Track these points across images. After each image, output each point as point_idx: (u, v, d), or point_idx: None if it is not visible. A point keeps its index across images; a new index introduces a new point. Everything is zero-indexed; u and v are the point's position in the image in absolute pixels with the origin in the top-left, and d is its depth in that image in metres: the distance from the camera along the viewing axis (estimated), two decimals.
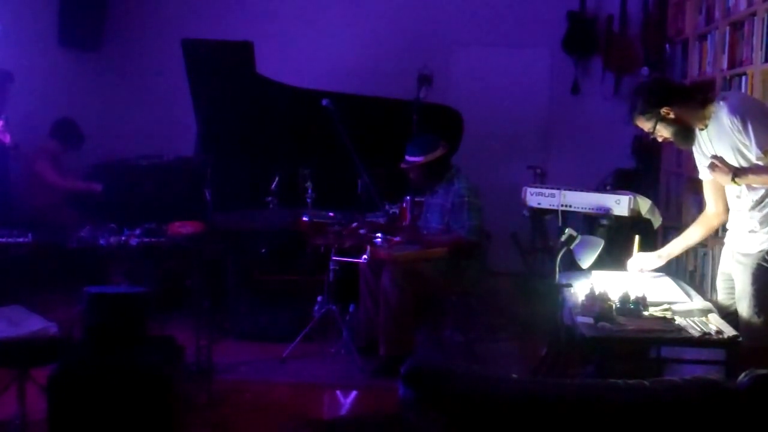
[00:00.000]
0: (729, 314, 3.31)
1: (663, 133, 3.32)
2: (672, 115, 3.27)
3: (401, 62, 6.56)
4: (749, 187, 3.24)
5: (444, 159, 4.87)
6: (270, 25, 7.15)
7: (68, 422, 3.27)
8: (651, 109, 3.28)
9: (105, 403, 3.27)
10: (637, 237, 3.75)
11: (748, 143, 3.13)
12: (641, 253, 3.70)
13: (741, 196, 3.30)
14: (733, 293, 3.37)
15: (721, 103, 3.23)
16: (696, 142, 3.36)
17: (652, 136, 3.36)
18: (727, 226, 3.50)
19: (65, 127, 6.28)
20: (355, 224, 4.85)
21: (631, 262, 3.69)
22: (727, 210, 3.46)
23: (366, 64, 7.01)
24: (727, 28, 4.84)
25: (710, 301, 3.51)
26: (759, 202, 3.24)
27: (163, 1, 7.37)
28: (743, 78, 4.50)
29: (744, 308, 3.26)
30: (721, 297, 3.49)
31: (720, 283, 3.52)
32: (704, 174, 3.42)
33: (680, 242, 3.70)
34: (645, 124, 3.33)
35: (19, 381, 3.52)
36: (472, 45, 7.29)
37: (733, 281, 3.38)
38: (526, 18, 7.21)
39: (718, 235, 3.93)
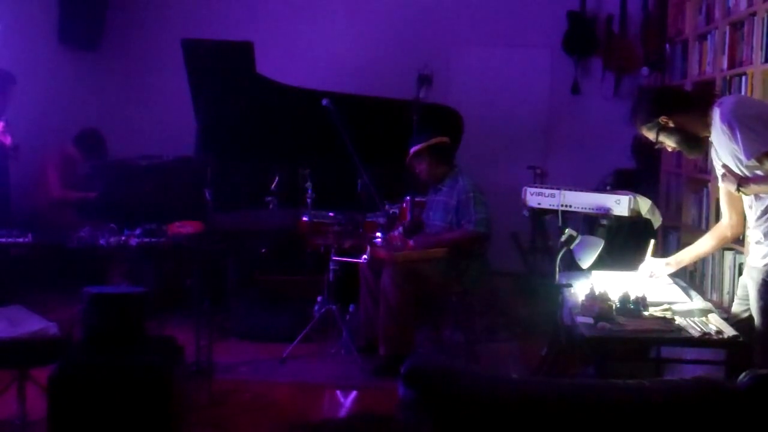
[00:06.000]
0: (739, 321, 3.21)
1: (667, 142, 3.21)
2: (671, 124, 3.16)
3: (401, 62, 6.56)
4: (757, 197, 3.12)
5: (448, 146, 4.86)
6: (270, 25, 7.16)
7: (68, 422, 3.26)
8: (650, 119, 3.19)
9: (105, 403, 3.26)
10: (652, 241, 3.68)
11: (738, 151, 3.01)
12: (653, 258, 3.62)
13: (752, 206, 3.18)
14: (746, 302, 3.25)
15: (716, 109, 3.09)
16: (712, 150, 3.23)
17: (657, 146, 3.27)
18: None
19: (92, 139, 6.23)
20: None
21: (642, 267, 3.61)
22: (742, 222, 3.36)
23: (366, 64, 7.01)
24: (727, 28, 4.83)
25: (711, 301, 3.46)
26: (765, 212, 3.12)
27: (163, 1, 7.37)
28: (743, 78, 4.49)
29: (757, 326, 3.12)
30: (735, 304, 3.36)
31: (738, 290, 3.39)
32: (720, 182, 3.29)
33: (691, 251, 3.59)
34: (649, 134, 3.23)
35: (19, 381, 3.52)
36: (472, 45, 7.29)
37: (748, 292, 3.26)
38: (526, 18, 7.21)
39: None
